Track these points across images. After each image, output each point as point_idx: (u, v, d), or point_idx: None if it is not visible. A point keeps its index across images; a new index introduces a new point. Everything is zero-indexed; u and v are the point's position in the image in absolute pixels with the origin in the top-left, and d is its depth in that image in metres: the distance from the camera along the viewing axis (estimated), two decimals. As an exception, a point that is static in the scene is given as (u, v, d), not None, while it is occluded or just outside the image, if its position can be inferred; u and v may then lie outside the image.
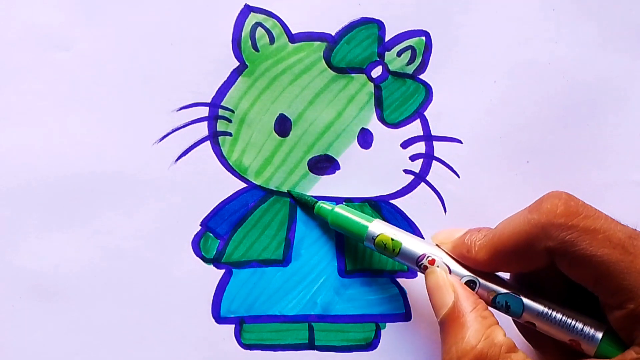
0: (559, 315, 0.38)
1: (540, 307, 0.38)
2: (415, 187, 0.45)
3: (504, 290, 0.39)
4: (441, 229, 0.42)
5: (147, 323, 0.44)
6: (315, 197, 0.44)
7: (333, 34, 0.44)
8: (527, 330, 0.40)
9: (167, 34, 0.44)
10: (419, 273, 0.44)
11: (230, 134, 0.44)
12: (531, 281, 0.40)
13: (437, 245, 0.41)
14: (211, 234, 0.44)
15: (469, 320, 0.38)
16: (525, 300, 0.39)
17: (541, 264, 0.38)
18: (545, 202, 0.37)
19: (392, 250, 0.41)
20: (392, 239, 0.41)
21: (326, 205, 0.43)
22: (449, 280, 0.39)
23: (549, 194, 0.38)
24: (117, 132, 0.44)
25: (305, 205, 0.44)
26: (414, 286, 0.44)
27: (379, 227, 0.41)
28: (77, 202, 0.44)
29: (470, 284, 0.39)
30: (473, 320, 0.38)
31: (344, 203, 0.44)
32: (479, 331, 0.37)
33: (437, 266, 0.40)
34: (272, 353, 0.44)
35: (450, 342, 0.38)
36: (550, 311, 0.38)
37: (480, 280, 0.39)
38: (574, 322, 0.38)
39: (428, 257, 0.40)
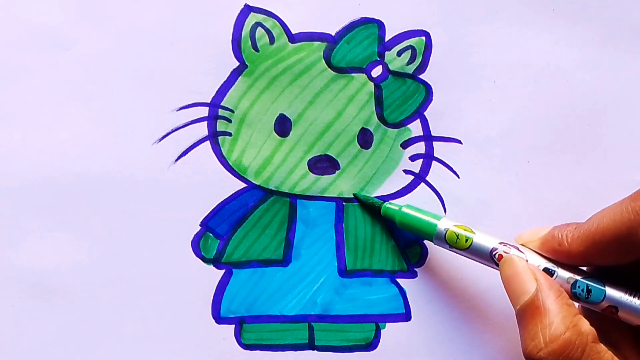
0: None
1: (622, 292, 0.38)
2: (415, 187, 0.45)
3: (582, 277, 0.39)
4: (524, 230, 0.41)
5: (147, 323, 0.44)
6: (315, 197, 0.44)
7: (333, 33, 0.44)
8: (601, 325, 0.39)
9: (167, 34, 0.44)
10: (419, 273, 0.44)
11: (230, 134, 0.44)
12: (608, 274, 0.39)
13: (522, 244, 0.40)
14: (211, 234, 0.44)
15: (555, 308, 0.37)
16: (607, 285, 0.38)
17: (638, 256, 0.37)
18: None
19: (465, 241, 0.41)
20: (464, 234, 0.41)
21: (393, 206, 0.43)
22: (530, 268, 0.39)
23: None
24: (117, 132, 0.44)
25: (371, 207, 0.44)
26: (414, 286, 0.44)
27: (448, 223, 0.41)
28: (77, 202, 0.44)
29: (548, 272, 0.39)
30: (559, 308, 0.37)
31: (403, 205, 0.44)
32: (566, 318, 0.37)
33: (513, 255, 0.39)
34: (272, 353, 0.44)
35: (535, 330, 0.37)
36: (632, 296, 0.38)
37: (558, 268, 0.39)
38: None
39: (502, 248, 0.40)
